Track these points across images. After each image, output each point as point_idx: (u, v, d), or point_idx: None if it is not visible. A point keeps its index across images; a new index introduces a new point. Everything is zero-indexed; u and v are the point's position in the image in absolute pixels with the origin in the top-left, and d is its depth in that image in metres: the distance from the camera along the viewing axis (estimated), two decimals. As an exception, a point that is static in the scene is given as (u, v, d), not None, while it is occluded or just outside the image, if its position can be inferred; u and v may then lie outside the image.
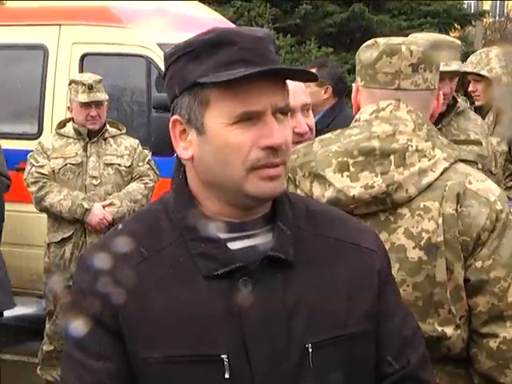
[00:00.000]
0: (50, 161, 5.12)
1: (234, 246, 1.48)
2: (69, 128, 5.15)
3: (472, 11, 19.04)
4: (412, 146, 2.01)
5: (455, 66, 3.45)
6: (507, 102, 4.52)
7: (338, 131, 2.15)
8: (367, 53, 2.15)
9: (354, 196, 2.01)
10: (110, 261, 1.46)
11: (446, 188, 1.99)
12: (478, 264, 1.98)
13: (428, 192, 2.00)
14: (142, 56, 6.52)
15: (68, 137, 5.12)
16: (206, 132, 1.44)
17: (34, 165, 5.14)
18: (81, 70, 6.66)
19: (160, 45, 6.41)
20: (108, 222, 4.97)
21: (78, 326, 1.46)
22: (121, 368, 1.45)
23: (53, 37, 6.83)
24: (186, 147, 1.49)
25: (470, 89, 4.71)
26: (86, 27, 6.77)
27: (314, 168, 2.07)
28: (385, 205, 2.01)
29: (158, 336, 1.43)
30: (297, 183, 2.11)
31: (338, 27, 14.97)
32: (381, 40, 2.15)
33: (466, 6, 19.52)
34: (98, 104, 5.02)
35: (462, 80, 4.82)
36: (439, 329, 2.00)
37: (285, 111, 1.46)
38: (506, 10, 32.97)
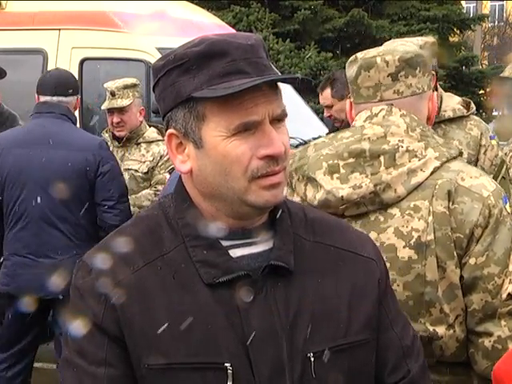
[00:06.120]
0: None
1: (235, 253, 1.47)
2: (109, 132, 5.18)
3: (471, 15, 19.06)
4: (402, 147, 2.02)
5: None
6: None
7: (332, 135, 2.16)
8: (350, 69, 2.18)
9: (342, 197, 2.02)
10: (111, 265, 1.45)
11: (437, 186, 1.98)
12: (472, 261, 1.96)
13: (418, 191, 1.99)
14: (141, 61, 6.53)
15: (108, 140, 5.14)
16: (204, 145, 1.42)
17: None
18: (80, 75, 6.65)
19: (159, 49, 6.42)
20: None
21: (79, 332, 1.44)
22: (123, 374, 1.44)
23: (52, 41, 6.84)
24: (183, 160, 1.47)
25: None
26: (86, 32, 6.78)
27: (307, 171, 2.09)
28: (374, 205, 2.02)
29: (160, 342, 1.42)
30: (293, 187, 2.13)
31: (337, 32, 15.00)
32: (359, 54, 2.17)
33: (465, 11, 19.54)
34: (120, 110, 4.99)
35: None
36: (431, 328, 1.98)
37: (281, 117, 1.45)
38: (505, 15, 33.02)
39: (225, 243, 1.47)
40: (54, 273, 3.84)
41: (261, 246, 1.49)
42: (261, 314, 1.43)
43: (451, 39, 17.44)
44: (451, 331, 1.99)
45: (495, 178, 3.82)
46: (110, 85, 5.01)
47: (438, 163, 2.01)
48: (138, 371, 1.42)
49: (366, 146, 2.03)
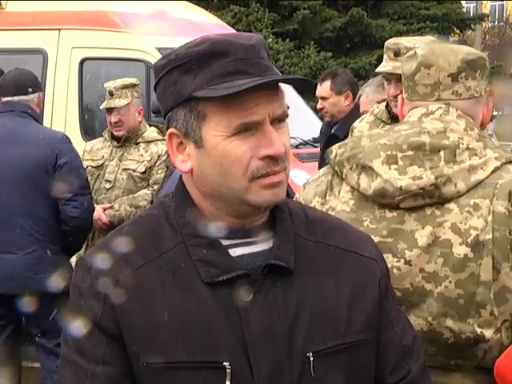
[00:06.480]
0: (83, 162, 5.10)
1: (235, 252, 1.47)
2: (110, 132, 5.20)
3: (471, 15, 19.04)
4: (463, 144, 1.99)
5: (389, 66, 3.23)
6: None
7: (388, 127, 2.13)
8: (407, 64, 2.14)
9: (401, 187, 1.98)
10: (111, 264, 1.46)
11: (498, 186, 1.96)
12: None
13: (478, 189, 1.96)
14: (141, 61, 6.54)
15: (107, 140, 5.16)
16: (204, 145, 1.43)
17: None
18: (80, 75, 6.66)
19: (159, 49, 6.42)
20: (104, 224, 4.96)
21: (78, 330, 1.45)
22: (121, 372, 1.44)
23: (52, 41, 6.85)
24: (184, 160, 1.46)
25: None
26: (86, 32, 6.79)
27: (362, 160, 2.05)
28: (432, 198, 1.98)
29: (159, 341, 1.42)
30: (343, 176, 2.10)
31: (336, 32, 14.99)
32: (419, 50, 2.12)
33: (465, 10, 19.53)
34: (118, 110, 5.00)
35: None
36: (478, 330, 1.95)
37: (282, 118, 1.46)
38: (505, 15, 33.02)
39: (225, 242, 1.47)
40: (17, 269, 4.00)
41: (261, 245, 1.49)
42: (260, 314, 1.43)
43: (451, 39, 17.44)
44: (498, 335, 1.95)
45: None
46: (110, 84, 5.04)
47: (498, 163, 1.99)
48: (136, 369, 1.43)
49: (426, 140, 2.00)
